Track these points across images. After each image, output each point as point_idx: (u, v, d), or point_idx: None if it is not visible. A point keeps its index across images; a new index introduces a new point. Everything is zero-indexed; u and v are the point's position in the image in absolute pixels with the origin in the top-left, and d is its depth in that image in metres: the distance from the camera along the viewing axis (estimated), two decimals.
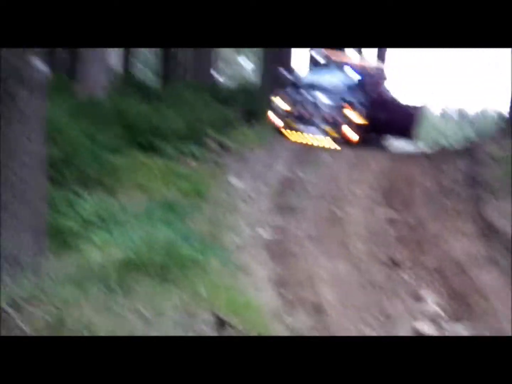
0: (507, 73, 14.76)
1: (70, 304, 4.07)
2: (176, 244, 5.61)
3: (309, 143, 13.45)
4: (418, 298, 5.99)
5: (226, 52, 30.84)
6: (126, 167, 8.10)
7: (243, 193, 9.14)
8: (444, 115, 43.77)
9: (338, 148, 13.34)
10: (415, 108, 14.81)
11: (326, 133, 13.57)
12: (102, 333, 3.84)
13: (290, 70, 15.55)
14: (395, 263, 6.84)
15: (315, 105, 13.77)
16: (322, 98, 13.81)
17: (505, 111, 13.91)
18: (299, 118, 13.78)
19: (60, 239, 4.85)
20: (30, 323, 3.75)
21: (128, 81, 13.72)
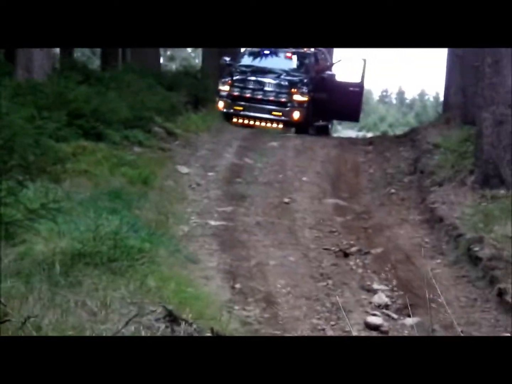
0: (442, 56, 15.03)
1: (13, 297, 3.95)
2: (123, 234, 5.51)
3: (255, 125, 13.63)
4: (365, 288, 6.03)
5: None
6: (70, 153, 7.91)
7: (191, 180, 9.05)
8: (383, 99, 44.40)
9: (282, 127, 13.66)
10: (357, 85, 15.06)
11: (271, 114, 13.83)
12: (46, 326, 3.74)
13: (233, 56, 15.59)
14: (342, 251, 6.88)
15: (259, 88, 14.01)
16: (266, 81, 14.04)
17: (441, 95, 14.16)
18: (244, 101, 13.94)
19: (3, 229, 4.68)
20: None
21: (68, 64, 13.37)
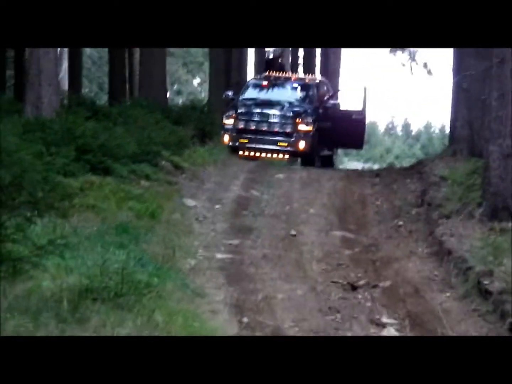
0: (447, 88, 15.12)
1: (21, 334, 3.93)
2: (130, 268, 5.51)
3: (262, 157, 13.73)
4: (374, 322, 5.98)
5: (173, 68, 30.76)
6: (78, 188, 7.94)
7: (197, 213, 9.06)
8: (389, 131, 44.54)
9: (288, 157, 13.79)
10: (359, 113, 15.19)
11: (277, 145, 13.96)
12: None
13: (237, 89, 15.77)
14: (350, 285, 6.84)
15: (264, 120, 14.16)
16: (271, 112, 14.19)
17: (447, 127, 14.23)
18: (250, 133, 14.06)
19: (10, 266, 4.68)
20: None
21: (76, 100, 13.50)
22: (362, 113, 15.30)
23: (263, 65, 19.16)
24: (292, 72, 17.81)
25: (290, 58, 21.59)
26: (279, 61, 17.60)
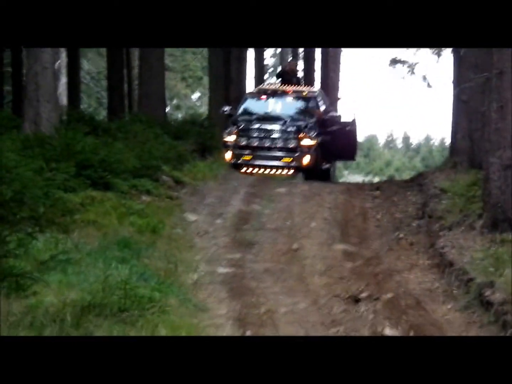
0: (447, 101, 15.19)
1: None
2: (132, 283, 5.52)
3: (265, 174, 13.64)
4: (376, 334, 5.97)
5: (171, 83, 30.85)
6: (79, 204, 7.95)
7: (199, 227, 9.06)
8: (388, 144, 44.65)
9: (292, 173, 13.69)
10: (351, 124, 15.17)
11: (281, 161, 13.86)
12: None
13: (236, 102, 15.71)
14: (352, 297, 6.83)
15: (266, 136, 14.04)
16: (273, 128, 14.08)
17: (447, 139, 14.29)
18: (252, 150, 13.96)
19: (13, 281, 4.69)
20: None
21: (75, 115, 13.54)
22: (353, 123, 15.29)
23: (263, 78, 19.11)
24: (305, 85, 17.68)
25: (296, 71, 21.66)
26: (295, 73, 17.16)
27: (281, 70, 17.93)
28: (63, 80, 22.85)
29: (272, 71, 32.96)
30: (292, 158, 13.87)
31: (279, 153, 13.94)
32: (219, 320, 5.91)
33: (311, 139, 14.03)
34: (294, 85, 15.63)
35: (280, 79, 16.43)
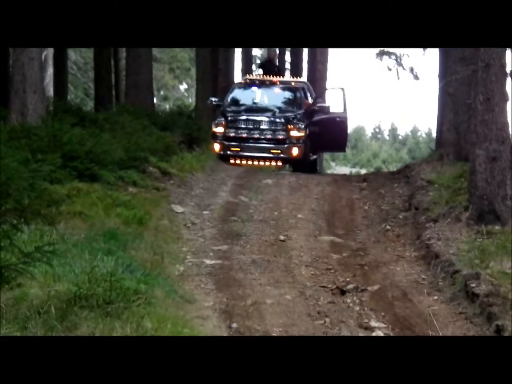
0: (434, 92, 15.21)
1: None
2: (118, 275, 5.49)
3: (254, 165, 13.62)
4: (363, 326, 5.99)
5: (159, 74, 30.72)
6: (65, 195, 7.90)
7: (186, 219, 9.04)
8: (376, 135, 44.75)
9: (281, 164, 13.68)
10: (341, 115, 15.12)
11: (270, 153, 13.84)
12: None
13: (224, 93, 15.66)
14: (338, 289, 6.85)
15: (255, 127, 13.99)
16: (261, 119, 14.05)
17: (434, 131, 14.32)
18: (241, 141, 13.92)
19: None
20: None
21: (62, 107, 13.45)
22: (344, 115, 15.26)
23: (251, 68, 19.05)
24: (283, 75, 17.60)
25: (277, 61, 21.62)
26: (275, 63, 17.10)
27: (264, 60, 17.87)
28: (50, 70, 22.69)
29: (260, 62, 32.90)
30: (281, 150, 13.86)
31: (268, 145, 13.90)
32: (205, 312, 5.91)
33: (300, 131, 14.00)
34: (277, 75, 15.58)
35: (261, 70, 16.39)
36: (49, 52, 22.85)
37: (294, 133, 13.91)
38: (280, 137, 13.87)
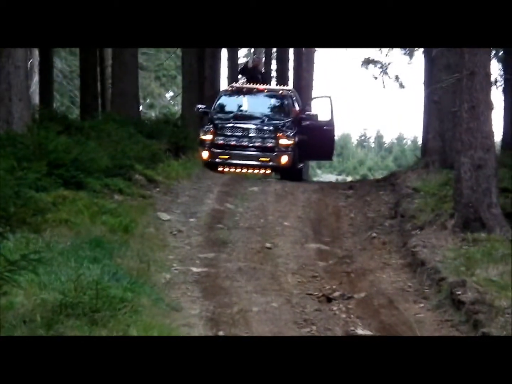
0: (419, 100, 15.31)
1: None
2: (104, 283, 5.47)
3: (242, 173, 13.59)
4: (349, 333, 6.00)
5: (145, 82, 30.70)
6: (51, 203, 7.87)
7: (172, 226, 9.03)
8: (361, 143, 44.91)
9: (270, 172, 13.65)
10: (328, 123, 15.14)
11: (258, 161, 13.81)
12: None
13: (211, 101, 15.63)
14: (325, 297, 6.86)
15: (244, 134, 13.95)
16: (250, 127, 14.01)
17: (419, 139, 14.40)
18: (230, 149, 13.89)
19: None
20: None
21: (48, 114, 13.40)
22: (331, 123, 15.28)
23: (236, 76, 19.01)
24: (268, 83, 17.57)
25: (263, 69, 21.68)
26: (259, 70, 17.01)
27: (243, 67, 17.82)
28: (36, 78, 22.62)
29: None
30: (270, 158, 13.82)
31: (256, 152, 13.87)
32: (192, 320, 5.89)
33: (289, 139, 13.97)
34: (261, 83, 15.57)
35: (243, 76, 16.33)
36: (34, 60, 22.77)
37: (283, 141, 13.90)
38: (269, 145, 13.85)
